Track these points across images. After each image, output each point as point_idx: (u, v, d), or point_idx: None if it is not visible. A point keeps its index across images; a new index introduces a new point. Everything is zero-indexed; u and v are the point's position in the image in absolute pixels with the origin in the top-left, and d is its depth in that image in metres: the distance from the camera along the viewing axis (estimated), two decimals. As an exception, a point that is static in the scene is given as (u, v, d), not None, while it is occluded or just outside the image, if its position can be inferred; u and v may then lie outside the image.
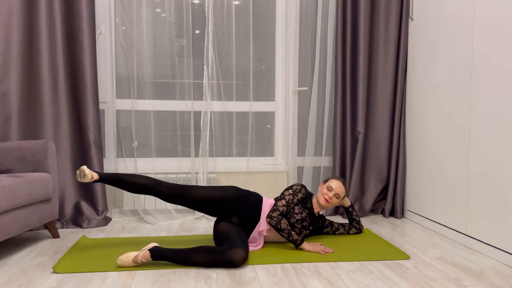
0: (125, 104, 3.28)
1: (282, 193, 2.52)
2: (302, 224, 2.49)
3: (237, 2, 3.35)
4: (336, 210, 3.37)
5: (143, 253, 2.09)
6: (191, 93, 3.29)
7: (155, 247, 2.13)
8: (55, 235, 2.67)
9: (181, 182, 3.25)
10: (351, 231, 2.76)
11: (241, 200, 2.44)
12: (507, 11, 2.21)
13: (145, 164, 3.33)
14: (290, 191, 2.52)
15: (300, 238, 2.37)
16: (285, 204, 2.43)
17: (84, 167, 2.25)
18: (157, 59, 3.31)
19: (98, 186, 3.02)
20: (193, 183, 3.25)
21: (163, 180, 3.23)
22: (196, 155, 3.28)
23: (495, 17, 2.30)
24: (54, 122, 2.98)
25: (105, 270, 2.06)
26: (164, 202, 3.19)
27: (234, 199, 2.43)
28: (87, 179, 2.24)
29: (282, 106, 3.49)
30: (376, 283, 1.93)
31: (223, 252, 2.09)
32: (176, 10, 3.25)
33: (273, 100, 3.51)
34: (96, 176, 2.29)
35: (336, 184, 2.57)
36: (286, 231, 2.35)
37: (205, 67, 3.26)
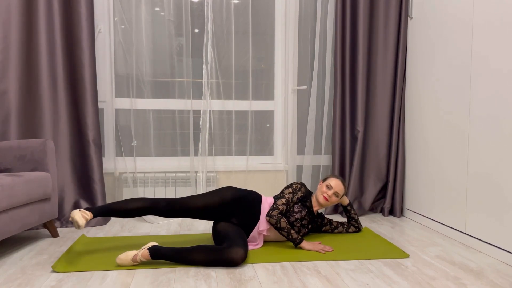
0: (124, 103, 3.28)
1: (282, 192, 2.52)
2: (302, 222, 2.49)
3: (236, 1, 3.34)
4: (336, 209, 3.38)
5: (142, 252, 2.09)
6: (190, 92, 3.28)
7: (154, 246, 2.13)
8: (54, 234, 2.66)
9: (180, 181, 3.25)
10: (350, 230, 2.76)
11: (239, 200, 2.44)
12: (506, 11, 2.21)
13: (144, 163, 3.33)
14: (290, 189, 2.52)
15: (299, 236, 2.37)
16: (284, 202, 2.43)
17: (74, 216, 2.13)
18: (156, 58, 3.31)
19: (97, 185, 3.01)
20: (192, 182, 3.25)
21: (162, 177, 3.23)
22: (196, 154, 3.28)
23: (495, 16, 2.30)
24: (53, 121, 2.98)
25: (105, 269, 2.06)
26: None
27: (232, 201, 2.42)
28: (82, 226, 2.13)
29: (282, 105, 3.49)
30: (375, 281, 1.93)
31: (223, 251, 2.09)
32: (175, 9, 3.25)
33: (272, 99, 3.51)
34: (90, 215, 2.21)
35: (335, 183, 2.57)
36: (285, 230, 2.35)
37: (204, 66, 3.26)
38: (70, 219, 2.16)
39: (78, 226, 2.13)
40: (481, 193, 2.39)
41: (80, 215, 2.16)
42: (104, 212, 2.28)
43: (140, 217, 3.22)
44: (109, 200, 3.24)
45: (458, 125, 2.60)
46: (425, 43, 3.00)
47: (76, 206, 3.00)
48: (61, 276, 1.99)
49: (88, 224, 2.94)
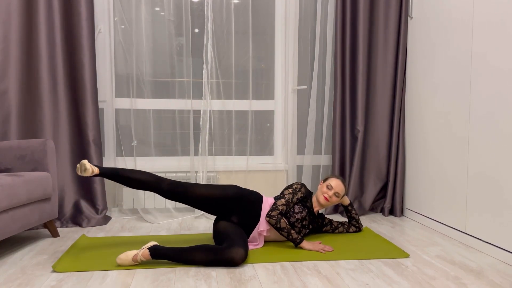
0: (124, 103, 3.28)
1: (282, 192, 2.52)
2: (302, 223, 2.49)
3: (236, 1, 3.34)
4: (336, 209, 3.38)
5: (143, 252, 2.09)
6: (190, 91, 3.28)
7: (154, 246, 2.13)
8: (55, 234, 2.66)
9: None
10: (350, 230, 2.76)
11: (241, 199, 2.44)
12: (506, 10, 2.21)
13: (144, 163, 3.33)
14: (290, 190, 2.52)
15: (299, 237, 2.37)
16: (284, 203, 2.43)
17: (85, 161, 2.24)
18: (156, 58, 3.31)
19: (97, 184, 3.02)
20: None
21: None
22: (196, 154, 3.28)
23: (495, 16, 2.30)
24: (54, 121, 2.98)
25: (105, 269, 2.06)
26: (164, 200, 3.19)
27: (234, 198, 2.43)
28: (87, 173, 2.23)
29: (282, 104, 3.49)
30: (375, 281, 1.93)
31: (223, 251, 2.09)
32: (175, 9, 3.25)
33: (272, 98, 3.51)
34: (96, 170, 2.29)
35: (335, 183, 2.57)
36: (285, 230, 2.35)
37: (204, 66, 3.26)
38: (78, 165, 2.24)
39: (85, 170, 2.23)
40: (481, 193, 2.39)
41: (89, 165, 2.25)
42: (110, 174, 2.34)
43: (141, 216, 3.21)
44: (109, 200, 3.24)
45: (458, 124, 2.60)
46: (425, 43, 3.00)
47: (77, 206, 3.00)
48: (62, 276, 1.99)
49: (89, 223, 2.94)
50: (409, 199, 3.23)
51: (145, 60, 3.25)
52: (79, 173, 2.25)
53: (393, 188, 3.32)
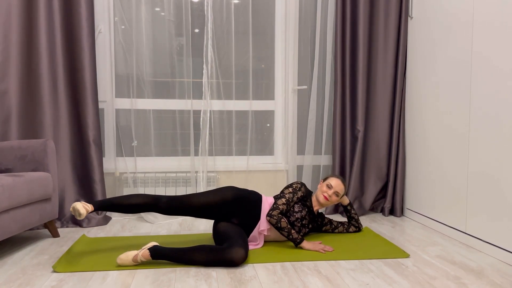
0: (124, 103, 3.28)
1: (282, 192, 2.52)
2: (302, 222, 2.49)
3: (236, 1, 3.34)
4: (336, 209, 3.38)
5: (143, 252, 2.10)
6: (190, 92, 3.29)
7: (154, 246, 2.14)
8: (55, 234, 2.67)
9: (180, 181, 3.25)
10: (350, 229, 2.76)
11: (240, 200, 2.44)
12: (506, 10, 2.21)
13: (144, 163, 3.33)
14: (290, 189, 2.52)
15: (299, 236, 2.37)
16: (285, 202, 2.43)
17: (76, 205, 2.15)
18: (156, 58, 3.31)
19: (98, 185, 3.02)
20: (193, 182, 3.25)
21: (163, 177, 3.23)
22: (196, 154, 3.28)
23: (495, 15, 2.30)
24: (54, 121, 2.98)
25: (105, 269, 2.06)
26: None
27: (233, 201, 2.43)
28: (83, 216, 2.15)
29: (282, 104, 3.49)
30: (375, 281, 1.93)
31: (223, 251, 2.09)
32: (176, 9, 3.25)
33: (272, 98, 3.51)
34: (91, 207, 2.23)
35: (335, 182, 2.57)
36: (286, 230, 2.35)
37: (204, 66, 3.26)
38: (71, 209, 2.16)
39: (80, 215, 2.14)
40: (481, 193, 2.39)
41: (82, 206, 2.17)
42: (105, 206, 2.29)
43: (141, 217, 3.22)
44: (109, 200, 3.24)
45: (458, 124, 2.60)
46: (425, 43, 3.00)
47: (77, 206, 3.00)
48: (62, 276, 1.99)
49: (89, 223, 2.94)
50: (409, 199, 3.23)
51: (145, 60, 3.25)
52: (77, 218, 2.18)
53: (393, 188, 3.32)
